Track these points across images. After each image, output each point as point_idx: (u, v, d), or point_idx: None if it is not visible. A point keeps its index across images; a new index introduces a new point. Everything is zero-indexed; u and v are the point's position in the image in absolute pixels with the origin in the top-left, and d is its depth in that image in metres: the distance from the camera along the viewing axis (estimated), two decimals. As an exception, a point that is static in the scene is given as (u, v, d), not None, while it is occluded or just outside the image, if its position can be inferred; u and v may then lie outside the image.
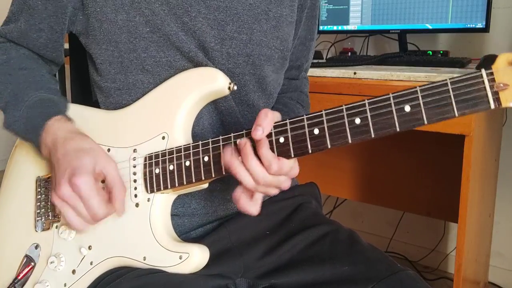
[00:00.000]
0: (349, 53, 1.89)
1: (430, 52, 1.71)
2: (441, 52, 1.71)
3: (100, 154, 0.75)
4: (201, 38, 0.79)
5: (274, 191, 0.71)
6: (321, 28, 1.90)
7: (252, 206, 0.70)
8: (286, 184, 0.70)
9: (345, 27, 1.85)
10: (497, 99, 0.59)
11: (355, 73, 1.41)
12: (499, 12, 1.72)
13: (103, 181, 0.76)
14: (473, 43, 1.79)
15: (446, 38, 1.86)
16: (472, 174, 1.28)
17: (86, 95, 0.89)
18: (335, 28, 1.87)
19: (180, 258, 0.73)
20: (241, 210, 0.71)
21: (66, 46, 1.00)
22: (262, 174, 0.67)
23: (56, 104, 0.82)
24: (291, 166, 0.68)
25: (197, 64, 0.80)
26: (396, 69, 1.42)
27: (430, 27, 1.67)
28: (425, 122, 0.62)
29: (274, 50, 0.86)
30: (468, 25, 1.60)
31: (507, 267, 1.91)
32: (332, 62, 1.65)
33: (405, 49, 1.79)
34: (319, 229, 0.84)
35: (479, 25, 1.58)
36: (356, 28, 1.83)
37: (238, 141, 0.69)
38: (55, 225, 0.82)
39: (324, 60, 1.81)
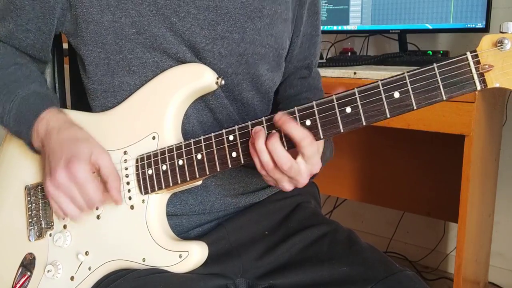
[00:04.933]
0: (349, 53, 1.89)
1: (430, 52, 1.71)
2: (441, 52, 1.71)
3: (95, 144, 0.76)
4: (191, 38, 0.78)
5: (286, 185, 0.69)
6: (321, 28, 1.90)
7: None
8: (301, 179, 0.68)
9: (345, 27, 1.85)
10: (482, 81, 0.61)
11: (355, 73, 1.41)
12: (499, 12, 1.71)
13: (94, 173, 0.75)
14: (473, 43, 1.77)
15: (446, 38, 1.85)
16: (472, 174, 1.28)
17: (85, 96, 0.89)
18: (335, 28, 1.87)
19: (180, 257, 0.73)
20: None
21: (65, 46, 1.00)
22: (267, 158, 0.66)
23: (50, 98, 0.82)
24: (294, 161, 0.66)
25: None
26: (396, 69, 1.42)
27: (430, 27, 1.66)
28: (415, 107, 0.63)
29: (268, 48, 0.85)
30: (468, 25, 1.60)
31: (507, 267, 1.91)
32: (332, 62, 1.65)
33: (405, 49, 1.79)
34: (317, 229, 0.84)
35: (479, 25, 1.58)
36: (356, 28, 1.83)
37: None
38: (48, 233, 0.81)
39: (324, 60, 1.80)
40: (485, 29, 1.57)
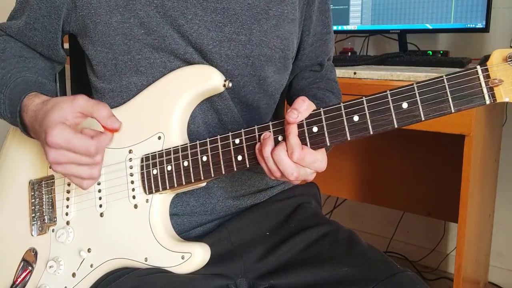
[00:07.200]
0: (349, 53, 1.89)
1: (430, 52, 1.71)
2: (441, 52, 1.71)
3: (63, 102, 0.69)
4: (198, 40, 0.78)
5: (295, 183, 0.70)
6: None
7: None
8: (310, 177, 0.69)
9: (345, 27, 1.85)
10: (492, 95, 0.60)
11: (355, 73, 1.41)
12: (499, 12, 1.72)
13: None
14: (473, 43, 1.79)
15: (446, 38, 1.85)
16: (472, 174, 1.28)
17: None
18: (335, 28, 1.87)
19: (183, 258, 0.73)
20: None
21: (66, 46, 1.00)
22: (275, 167, 0.67)
23: (41, 85, 0.80)
24: (315, 158, 0.67)
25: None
26: (396, 69, 1.42)
27: (430, 27, 1.66)
28: (422, 118, 0.63)
29: (274, 50, 0.84)
30: (468, 25, 1.60)
31: (507, 267, 1.91)
32: (332, 62, 1.64)
33: (405, 49, 1.79)
34: (318, 229, 0.84)
35: (479, 25, 1.58)
36: (356, 28, 1.83)
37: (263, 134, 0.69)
38: (51, 228, 0.82)
39: (324, 60, 1.80)
40: (485, 29, 1.57)
